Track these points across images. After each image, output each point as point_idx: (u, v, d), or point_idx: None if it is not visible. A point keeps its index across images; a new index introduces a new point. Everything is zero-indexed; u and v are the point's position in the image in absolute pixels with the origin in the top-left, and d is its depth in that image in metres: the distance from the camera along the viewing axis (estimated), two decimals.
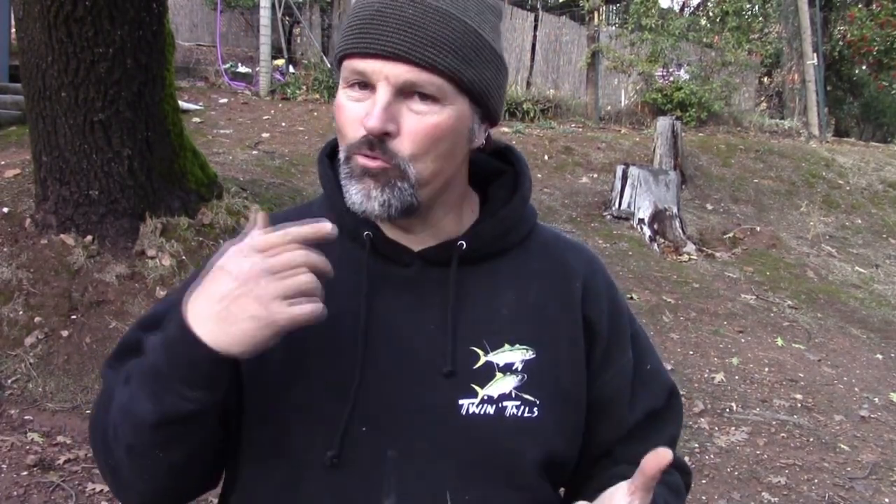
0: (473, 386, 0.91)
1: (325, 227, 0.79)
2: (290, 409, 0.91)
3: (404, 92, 0.85)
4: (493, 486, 0.91)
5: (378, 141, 0.85)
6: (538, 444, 0.93)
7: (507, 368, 0.93)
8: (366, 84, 0.86)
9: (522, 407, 0.92)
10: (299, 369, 0.92)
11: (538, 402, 0.93)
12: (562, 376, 0.95)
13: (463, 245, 0.94)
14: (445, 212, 0.95)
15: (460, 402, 0.90)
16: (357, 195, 0.88)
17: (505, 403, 0.91)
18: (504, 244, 0.98)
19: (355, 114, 0.87)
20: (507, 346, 0.93)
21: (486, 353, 0.93)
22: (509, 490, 0.92)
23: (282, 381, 0.92)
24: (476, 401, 0.91)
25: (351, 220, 0.94)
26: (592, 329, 0.99)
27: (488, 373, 0.92)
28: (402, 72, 0.84)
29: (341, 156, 0.90)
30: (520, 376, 0.93)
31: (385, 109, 0.84)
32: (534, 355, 0.94)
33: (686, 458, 3.41)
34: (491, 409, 0.91)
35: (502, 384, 0.92)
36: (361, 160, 0.87)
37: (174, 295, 1.01)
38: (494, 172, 1.03)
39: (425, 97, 0.86)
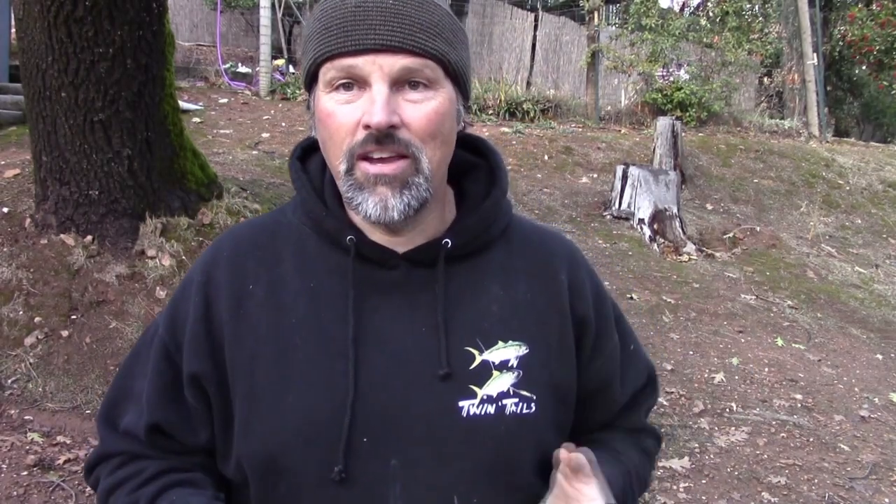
0: (472, 386, 0.90)
1: None
2: (285, 426, 0.88)
3: (397, 83, 0.83)
4: (496, 487, 0.90)
5: (384, 135, 0.83)
6: (536, 441, 0.92)
7: (504, 366, 0.91)
8: (351, 84, 0.84)
9: (521, 403, 0.91)
10: (291, 384, 0.89)
11: (534, 398, 0.92)
12: (554, 370, 0.95)
13: (448, 243, 0.91)
14: (433, 209, 0.92)
15: (460, 403, 0.89)
16: (373, 207, 0.85)
17: (504, 402, 0.90)
18: (486, 239, 0.96)
19: (349, 117, 0.84)
20: (500, 343, 0.92)
21: (481, 351, 0.91)
22: (511, 490, 0.91)
23: (273, 398, 0.89)
24: (476, 401, 0.89)
25: (332, 225, 0.92)
26: (581, 321, 0.98)
27: (485, 372, 0.91)
28: (396, 60, 0.82)
29: (341, 167, 0.86)
30: (516, 373, 0.92)
31: (387, 101, 0.82)
32: (527, 350, 0.93)
33: (686, 458, 3.42)
34: (491, 409, 0.90)
35: (500, 382, 0.91)
36: (373, 168, 0.84)
37: (150, 332, 1.00)
38: (467, 166, 1.00)
39: (417, 85, 0.84)
